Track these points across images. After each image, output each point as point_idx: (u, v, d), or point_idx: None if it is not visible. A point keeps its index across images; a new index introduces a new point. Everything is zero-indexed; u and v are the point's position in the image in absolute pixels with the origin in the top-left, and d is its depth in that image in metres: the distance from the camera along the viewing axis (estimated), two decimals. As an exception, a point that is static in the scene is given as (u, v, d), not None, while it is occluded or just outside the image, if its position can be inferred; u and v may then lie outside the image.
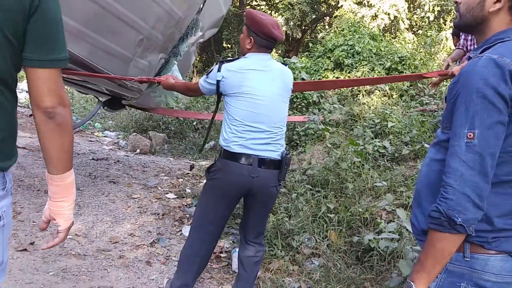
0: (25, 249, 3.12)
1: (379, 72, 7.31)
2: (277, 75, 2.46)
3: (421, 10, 13.33)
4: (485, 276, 1.24)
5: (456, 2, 1.38)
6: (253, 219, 2.60)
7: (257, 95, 2.36)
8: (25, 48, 1.16)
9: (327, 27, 17.16)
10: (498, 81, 1.13)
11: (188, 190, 4.82)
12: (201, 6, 4.19)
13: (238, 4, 18.13)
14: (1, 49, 1.12)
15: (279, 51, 16.86)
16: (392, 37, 10.56)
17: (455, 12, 1.44)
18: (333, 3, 14.87)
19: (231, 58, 2.52)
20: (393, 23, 13.10)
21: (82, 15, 2.83)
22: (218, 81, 2.41)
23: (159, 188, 4.94)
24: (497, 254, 1.23)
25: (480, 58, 1.19)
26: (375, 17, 13.06)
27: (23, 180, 4.52)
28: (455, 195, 1.15)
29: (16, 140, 1.29)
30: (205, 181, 2.60)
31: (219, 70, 2.40)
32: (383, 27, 12.80)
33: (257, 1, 18.84)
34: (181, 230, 3.83)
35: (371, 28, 10.24)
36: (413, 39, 11.17)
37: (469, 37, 4.68)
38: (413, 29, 14.16)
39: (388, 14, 12.74)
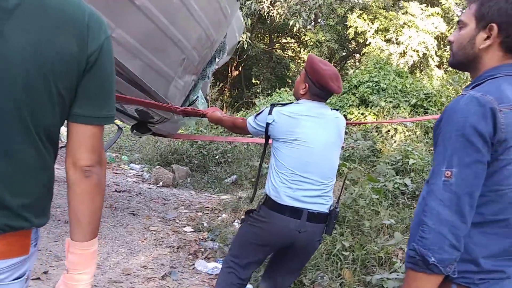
0: (38, 278, 3.17)
1: (404, 108, 7.25)
2: (331, 123, 2.34)
3: (451, 47, 13.26)
4: None
5: (449, 41, 1.39)
6: (289, 270, 2.45)
7: (309, 143, 2.23)
8: (75, 103, 1.11)
9: (357, 64, 17.26)
10: (478, 120, 1.12)
11: (205, 224, 4.82)
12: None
13: (268, 41, 18.53)
14: (51, 103, 1.06)
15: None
16: (420, 74, 10.52)
17: (450, 51, 1.44)
18: (361, 41, 14.98)
19: (284, 102, 2.43)
20: (422, 60, 13.05)
21: (139, 32, 2.85)
22: (268, 124, 2.30)
23: (177, 221, 4.97)
24: None
25: (464, 96, 1.18)
26: (403, 54, 13.06)
27: (46, 210, 4.64)
28: (430, 234, 1.13)
29: (52, 197, 1.21)
30: (241, 222, 2.50)
31: (270, 113, 2.29)
32: (412, 64, 12.77)
33: (286, 39, 19.20)
34: (193, 264, 3.82)
35: (397, 65, 10.23)
36: (442, 76, 11.07)
37: None
38: (444, 66, 14.05)
39: (417, 51, 12.72)
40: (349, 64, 18.78)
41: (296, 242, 2.26)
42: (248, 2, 12.66)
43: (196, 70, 3.96)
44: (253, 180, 6.03)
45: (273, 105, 2.35)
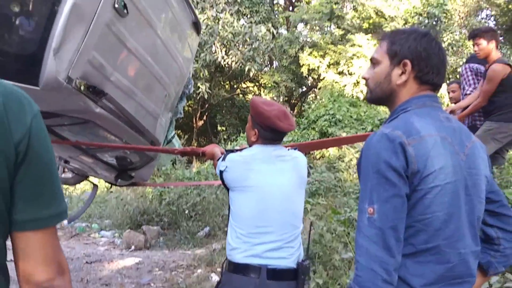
0: None
1: (362, 136, 7.47)
2: (289, 164, 2.15)
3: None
4: None
5: (364, 78, 1.47)
6: None
7: (265, 189, 2.05)
8: (14, 207, 0.87)
9: (317, 98, 17.73)
10: (390, 155, 1.17)
11: (180, 284, 4.76)
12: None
13: (228, 88, 18.89)
14: None
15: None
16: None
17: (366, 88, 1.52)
18: (315, 76, 15.46)
19: (239, 148, 2.31)
20: (376, 86, 13.50)
21: (131, 73, 2.90)
22: (221, 172, 2.13)
23: (152, 284, 4.89)
24: None
25: (375, 134, 1.25)
26: (357, 83, 13.51)
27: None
28: (363, 271, 1.15)
29: None
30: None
31: (223, 160, 2.15)
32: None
33: (246, 84, 19.62)
34: (170, 327, 3.75)
35: (354, 95, 10.57)
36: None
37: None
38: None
39: (369, 79, 13.16)
40: (310, 99, 19.26)
41: None
42: (202, 54, 12.99)
43: (172, 107, 4.01)
44: (226, 229, 6.00)
45: (227, 152, 2.23)
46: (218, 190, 6.93)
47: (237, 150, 2.24)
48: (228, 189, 2.15)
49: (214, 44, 13.20)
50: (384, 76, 1.35)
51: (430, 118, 1.27)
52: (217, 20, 13.36)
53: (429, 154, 1.19)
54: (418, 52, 1.30)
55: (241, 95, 19.55)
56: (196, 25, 3.76)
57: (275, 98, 15.90)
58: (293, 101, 18.21)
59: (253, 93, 19.61)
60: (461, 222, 1.25)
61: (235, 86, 19.16)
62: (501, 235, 1.40)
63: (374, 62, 1.39)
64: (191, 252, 5.92)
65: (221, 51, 13.72)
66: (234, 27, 13.20)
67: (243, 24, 13.83)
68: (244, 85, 19.64)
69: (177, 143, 4.41)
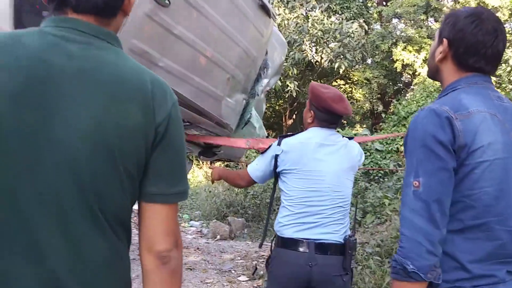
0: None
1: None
2: (342, 150, 2.24)
3: (507, 65, 12.73)
4: None
5: None
6: None
7: (317, 172, 2.15)
8: (147, 180, 0.98)
9: (412, 94, 16.97)
10: (436, 129, 1.18)
11: (261, 272, 4.86)
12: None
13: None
14: (120, 183, 0.94)
15: (364, 126, 16.84)
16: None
17: None
18: (410, 72, 14.80)
19: (291, 133, 2.36)
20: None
21: (183, 59, 3.07)
22: (276, 156, 2.21)
23: (233, 271, 5.06)
24: None
25: (423, 110, 1.26)
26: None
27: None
28: (408, 243, 1.17)
29: (131, 286, 1.08)
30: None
31: (278, 144, 2.22)
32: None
33: (336, 82, 19.39)
34: (246, 312, 3.86)
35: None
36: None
37: None
38: (501, 85, 13.45)
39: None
40: (409, 96, 18.46)
41: (312, 279, 2.07)
42: (291, 53, 13.06)
43: (243, 89, 4.15)
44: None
45: (281, 137, 2.30)
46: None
47: (291, 135, 2.30)
48: (277, 174, 2.25)
49: (303, 42, 13.22)
50: (432, 53, 1.40)
51: (479, 96, 1.26)
52: (307, 18, 13.36)
53: (477, 129, 1.18)
54: (454, 32, 1.30)
55: (331, 94, 19.36)
56: (264, 8, 3.79)
57: (366, 95, 15.51)
58: (387, 98, 17.60)
59: (343, 91, 19.33)
60: None
61: (326, 84, 19.03)
62: None
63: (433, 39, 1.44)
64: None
65: (311, 49, 13.71)
66: (324, 24, 13.09)
67: (334, 21, 13.65)
68: (335, 83, 19.41)
69: (257, 124, 4.52)
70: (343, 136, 2.34)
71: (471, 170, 1.18)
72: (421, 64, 13.58)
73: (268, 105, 19.96)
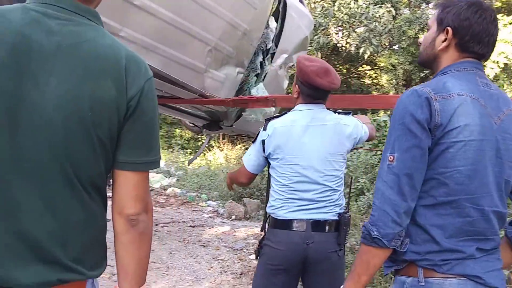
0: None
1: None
2: (330, 130, 2.15)
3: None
4: None
5: (419, 43, 1.55)
6: None
7: (303, 157, 2.10)
8: (119, 150, 1.07)
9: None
10: (415, 109, 1.25)
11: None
12: (276, 26, 4.48)
13: (345, 71, 18.60)
14: (93, 151, 1.03)
15: (388, 112, 16.63)
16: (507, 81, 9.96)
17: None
18: (437, 59, 14.49)
19: (278, 114, 2.29)
20: (505, 70, 12.29)
21: (150, 30, 3.12)
22: (263, 141, 2.16)
23: (245, 250, 5.20)
24: (453, 277, 1.25)
25: (408, 90, 1.34)
26: (483, 67, 12.41)
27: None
28: (376, 211, 1.27)
29: (106, 247, 1.18)
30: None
31: (264, 129, 2.18)
32: (494, 76, 12.07)
33: (362, 67, 19.14)
34: None
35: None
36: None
37: None
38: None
39: (497, 62, 12.03)
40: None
41: (308, 257, 2.07)
42: (316, 37, 12.96)
43: (237, 62, 4.11)
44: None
45: (267, 120, 2.22)
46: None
47: (277, 116, 2.24)
48: (267, 159, 2.20)
49: (329, 26, 13.10)
50: (430, 41, 1.43)
51: (465, 81, 1.31)
52: (333, 2, 13.19)
53: (455, 110, 1.24)
54: (460, 21, 1.34)
55: (355, 79, 19.11)
56: None
57: (392, 81, 15.29)
58: (413, 85, 17.32)
59: (369, 77, 19.07)
60: (487, 181, 1.27)
61: (352, 69, 18.78)
62: None
63: (427, 28, 1.48)
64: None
65: (336, 33, 13.57)
66: (350, 8, 12.90)
67: (361, 5, 13.43)
68: (360, 69, 19.14)
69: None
70: (338, 113, 2.23)
71: (445, 149, 1.24)
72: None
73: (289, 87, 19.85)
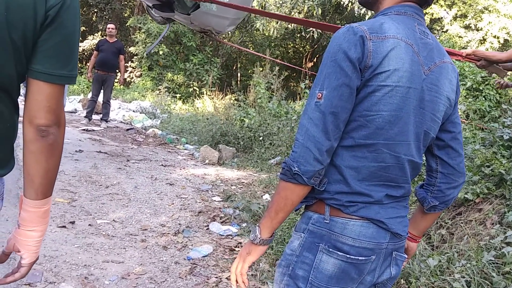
0: (64, 226, 3.64)
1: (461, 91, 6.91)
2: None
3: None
4: (342, 239, 1.27)
5: None
6: None
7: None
8: (34, 58, 1.07)
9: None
10: (349, 46, 1.20)
11: (234, 195, 5.07)
12: None
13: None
14: (6, 52, 1.03)
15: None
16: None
17: None
18: (438, 28, 14.26)
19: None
20: (504, 47, 12.14)
21: None
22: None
23: (210, 192, 5.28)
24: (357, 219, 1.27)
25: (344, 27, 1.27)
26: (483, 41, 12.25)
27: (91, 176, 5.20)
28: (299, 148, 1.23)
29: (13, 148, 1.21)
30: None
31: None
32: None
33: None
34: (208, 226, 4.09)
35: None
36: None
37: None
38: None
39: (498, 37, 11.86)
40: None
41: None
42: (318, -8, 12.66)
43: None
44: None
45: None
46: (295, 125, 7.00)
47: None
48: None
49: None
50: None
51: (403, 25, 1.27)
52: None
53: (387, 53, 1.20)
54: None
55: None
56: None
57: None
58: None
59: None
60: (407, 129, 1.26)
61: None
62: (440, 169, 1.43)
63: None
64: (257, 175, 6.19)
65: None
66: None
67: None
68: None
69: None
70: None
71: (372, 91, 1.21)
72: (450, 21, 13.08)
73: (291, 45, 19.49)
